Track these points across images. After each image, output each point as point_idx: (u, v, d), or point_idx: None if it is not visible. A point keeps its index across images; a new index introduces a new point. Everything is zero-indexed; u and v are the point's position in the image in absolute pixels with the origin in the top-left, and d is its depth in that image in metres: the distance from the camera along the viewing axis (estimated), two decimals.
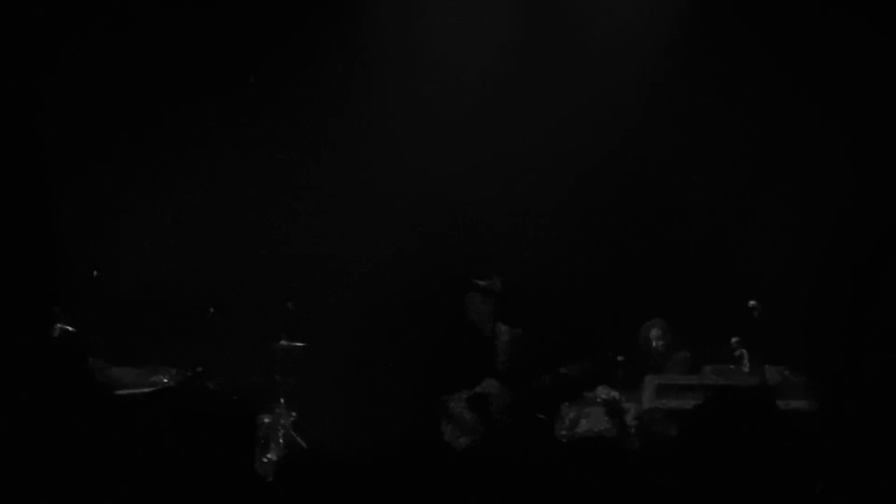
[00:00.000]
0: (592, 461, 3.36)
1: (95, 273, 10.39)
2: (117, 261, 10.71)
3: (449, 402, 9.63)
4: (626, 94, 10.91)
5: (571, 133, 11.08)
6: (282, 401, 10.35)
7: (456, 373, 9.78)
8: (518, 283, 10.12)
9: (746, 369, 9.12)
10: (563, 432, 9.32)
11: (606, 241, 11.14)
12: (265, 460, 9.62)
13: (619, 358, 9.74)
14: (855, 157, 10.35)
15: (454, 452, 4.98)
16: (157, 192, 11.03)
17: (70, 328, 9.62)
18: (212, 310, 10.38)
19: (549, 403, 9.48)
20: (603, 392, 9.48)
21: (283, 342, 10.55)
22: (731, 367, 9.29)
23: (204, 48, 10.86)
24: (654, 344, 9.88)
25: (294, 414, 10.33)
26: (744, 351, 9.27)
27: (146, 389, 8.34)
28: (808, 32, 10.50)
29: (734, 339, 9.40)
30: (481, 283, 9.92)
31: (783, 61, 10.65)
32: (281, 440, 10.09)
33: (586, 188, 11.19)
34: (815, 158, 10.53)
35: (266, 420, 10.08)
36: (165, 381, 9.15)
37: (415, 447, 4.69)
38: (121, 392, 7.78)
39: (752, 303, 9.19)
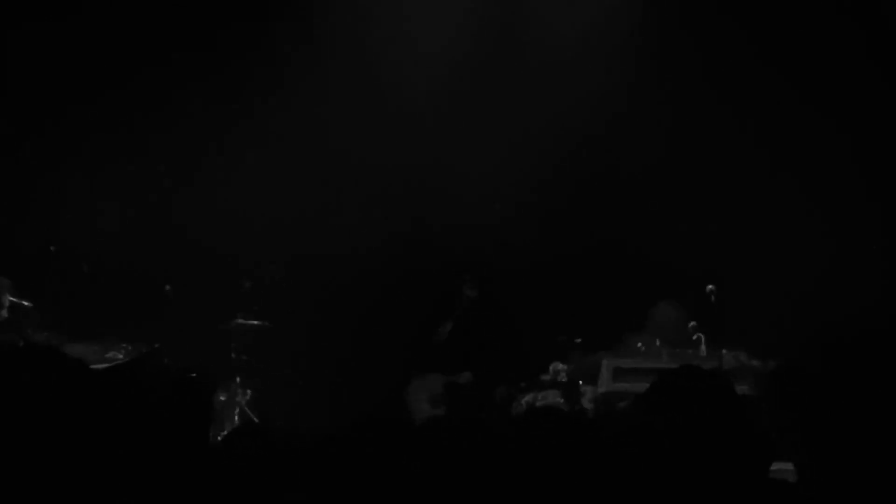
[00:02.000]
0: (548, 427, 3.34)
1: (52, 248, 10.31)
2: (73, 236, 10.63)
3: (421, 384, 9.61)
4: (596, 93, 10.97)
5: (542, 129, 11.10)
6: (237, 378, 10.32)
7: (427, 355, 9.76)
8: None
9: (703, 354, 9.14)
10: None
11: (577, 234, 11.19)
12: (220, 438, 9.57)
13: (577, 340, 9.74)
14: (809, 145, 10.49)
15: (413, 427, 4.98)
16: (114, 168, 10.95)
17: (25, 303, 9.56)
18: (168, 287, 10.32)
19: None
20: (553, 367, 9.50)
21: (238, 320, 10.51)
22: (689, 351, 9.31)
23: (157, 21, 10.83)
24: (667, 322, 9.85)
25: (249, 391, 10.30)
26: (701, 335, 9.30)
27: (102, 365, 8.31)
28: (778, 31, 10.62)
29: (691, 324, 9.43)
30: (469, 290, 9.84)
31: (751, 60, 10.75)
32: (236, 417, 10.06)
33: (556, 182, 11.24)
34: (774, 149, 10.65)
35: (221, 398, 10.05)
36: (121, 357, 9.09)
37: (373, 424, 4.68)
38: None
39: (709, 287, 9.21)
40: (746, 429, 3.14)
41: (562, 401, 9.35)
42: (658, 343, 9.69)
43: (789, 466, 3.81)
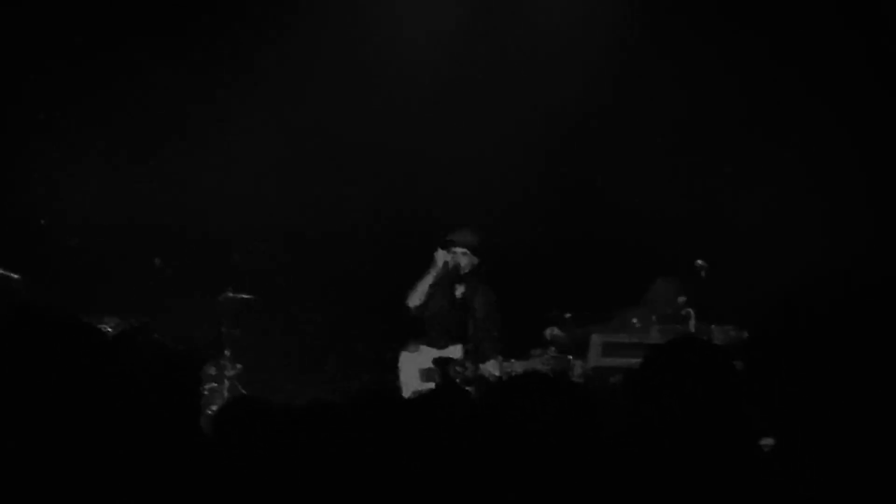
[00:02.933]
0: (538, 391, 3.31)
1: (42, 221, 10.29)
2: (64, 209, 10.61)
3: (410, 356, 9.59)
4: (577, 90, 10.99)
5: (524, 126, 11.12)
6: (227, 352, 10.31)
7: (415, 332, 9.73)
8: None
9: (693, 329, 9.15)
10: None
11: (567, 214, 11.23)
12: (210, 412, 9.58)
13: (567, 315, 9.74)
14: (797, 126, 10.57)
15: (402, 400, 4.98)
16: (104, 141, 10.93)
17: (14, 275, 9.54)
18: (158, 260, 10.31)
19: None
20: (550, 332, 9.52)
21: (229, 293, 10.50)
22: (678, 326, 9.32)
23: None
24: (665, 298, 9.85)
25: (239, 366, 10.30)
26: (690, 310, 9.31)
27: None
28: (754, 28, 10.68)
29: (681, 299, 9.44)
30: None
31: (735, 47, 10.80)
32: (226, 392, 10.06)
33: (550, 164, 11.30)
34: (762, 129, 10.72)
35: (212, 371, 10.04)
36: (110, 330, 9.07)
37: (363, 396, 4.68)
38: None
39: (699, 262, 9.22)
40: (739, 403, 3.16)
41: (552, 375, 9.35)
42: (654, 319, 9.71)
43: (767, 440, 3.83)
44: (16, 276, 9.53)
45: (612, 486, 2.95)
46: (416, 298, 9.57)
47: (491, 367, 9.36)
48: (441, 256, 9.52)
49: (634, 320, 9.77)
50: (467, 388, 9.20)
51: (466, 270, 9.63)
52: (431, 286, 9.57)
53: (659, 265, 9.99)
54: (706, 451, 3.03)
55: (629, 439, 3.08)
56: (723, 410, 3.09)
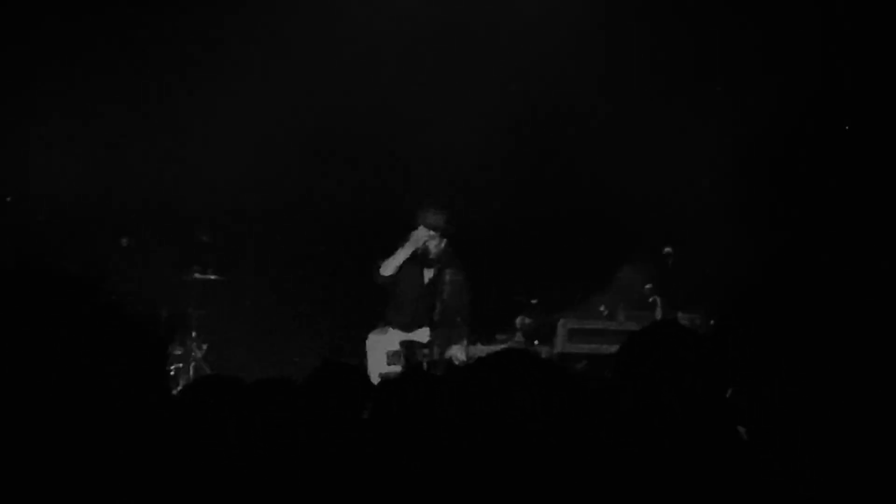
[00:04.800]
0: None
1: (8, 199, 10.23)
2: (29, 187, 10.55)
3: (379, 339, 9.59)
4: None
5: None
6: (193, 333, 10.28)
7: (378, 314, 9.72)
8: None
9: (659, 316, 9.19)
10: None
11: (537, 199, 11.25)
12: (176, 391, 9.55)
13: (533, 301, 9.76)
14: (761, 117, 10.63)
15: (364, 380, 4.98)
16: (70, 117, 10.85)
17: None
18: (125, 240, 10.26)
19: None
20: (520, 321, 9.53)
21: (196, 274, 10.47)
22: (645, 313, 9.36)
23: None
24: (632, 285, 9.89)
25: (205, 346, 10.27)
26: (657, 298, 9.35)
27: None
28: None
29: (647, 286, 9.48)
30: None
31: (706, 38, 10.84)
32: (191, 372, 10.03)
33: (519, 150, 11.31)
34: (729, 116, 10.76)
35: (177, 352, 10.01)
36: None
37: (331, 372, 4.69)
38: None
39: (666, 250, 9.26)
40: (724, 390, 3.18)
41: None
42: (621, 306, 9.75)
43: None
44: None
45: (600, 475, 2.96)
46: (389, 268, 9.55)
47: (456, 351, 9.38)
48: (420, 235, 9.50)
49: (602, 307, 9.81)
50: (432, 371, 9.23)
51: (434, 253, 9.62)
52: (404, 262, 9.56)
53: (627, 250, 10.03)
54: (695, 438, 3.05)
55: (618, 427, 3.09)
56: (710, 398, 3.12)
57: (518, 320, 9.52)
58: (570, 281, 10.12)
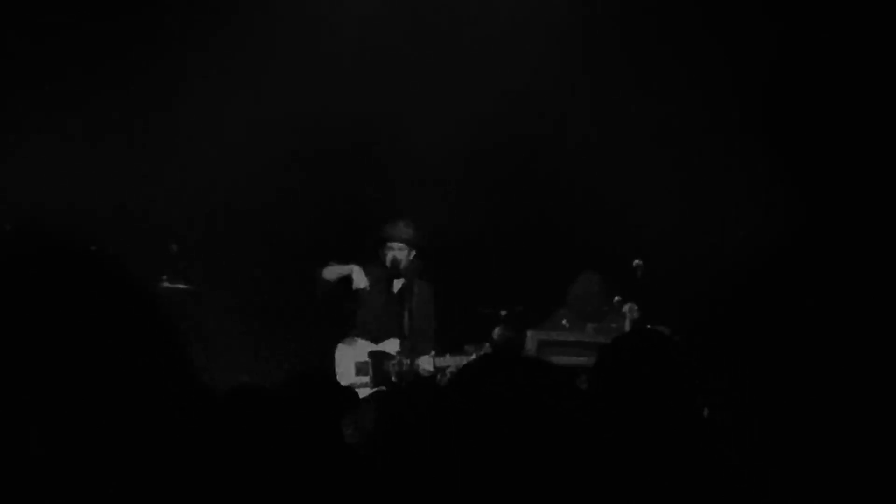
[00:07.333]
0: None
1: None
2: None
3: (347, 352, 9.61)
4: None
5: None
6: None
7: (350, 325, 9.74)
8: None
9: (628, 328, 9.23)
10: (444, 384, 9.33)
11: (506, 210, 11.29)
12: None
13: (502, 312, 9.78)
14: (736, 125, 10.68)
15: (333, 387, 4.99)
16: (38, 123, 10.80)
17: None
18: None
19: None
20: (497, 332, 9.54)
21: (165, 283, 10.43)
22: (613, 325, 9.40)
23: None
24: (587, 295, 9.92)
25: None
26: (629, 307, 9.39)
27: None
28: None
29: (616, 299, 9.52)
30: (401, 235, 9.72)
31: (680, 43, 10.89)
32: None
33: (486, 161, 11.34)
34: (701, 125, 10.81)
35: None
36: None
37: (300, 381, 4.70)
38: None
39: (636, 262, 9.31)
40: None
41: None
42: (579, 317, 9.80)
43: None
44: None
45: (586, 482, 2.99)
46: (329, 274, 9.64)
47: (424, 363, 9.41)
48: (388, 257, 9.60)
49: (564, 321, 9.87)
50: (401, 382, 9.27)
51: (403, 265, 9.67)
52: (374, 273, 9.63)
53: (592, 262, 10.08)
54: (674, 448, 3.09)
55: (602, 435, 3.12)
56: (682, 405, 3.16)
57: (495, 332, 9.54)
58: (538, 293, 10.15)
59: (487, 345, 9.55)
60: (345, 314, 9.78)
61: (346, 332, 9.72)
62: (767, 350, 9.73)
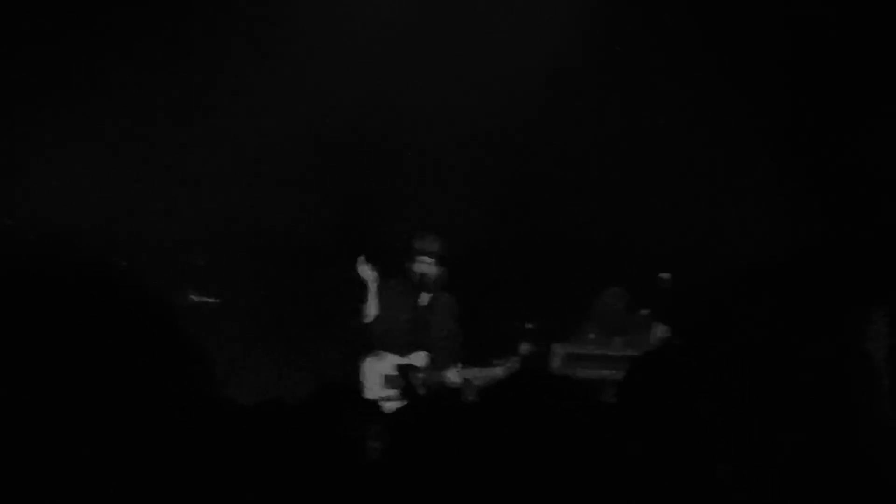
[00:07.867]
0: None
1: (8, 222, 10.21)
2: (21, 207, 10.50)
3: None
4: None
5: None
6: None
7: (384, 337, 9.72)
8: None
9: (652, 341, 9.20)
10: (470, 397, 9.31)
11: (530, 221, 11.25)
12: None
13: (528, 325, 9.75)
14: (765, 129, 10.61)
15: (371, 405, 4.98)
16: (63, 137, 10.81)
17: None
18: (124, 263, 10.24)
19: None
20: (523, 348, 9.51)
21: (192, 297, 10.44)
22: (640, 338, 9.37)
23: None
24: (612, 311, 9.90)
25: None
26: (666, 328, 9.36)
27: None
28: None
29: (644, 312, 9.49)
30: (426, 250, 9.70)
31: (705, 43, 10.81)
32: None
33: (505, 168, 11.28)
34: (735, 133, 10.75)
35: None
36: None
37: (329, 399, 4.69)
38: None
39: (662, 275, 9.27)
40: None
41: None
42: (605, 331, 9.77)
43: None
44: None
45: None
46: (370, 313, 9.66)
47: (451, 375, 9.40)
48: (367, 273, 9.59)
49: (591, 335, 9.84)
50: (428, 394, 9.25)
51: (430, 278, 9.66)
52: (400, 288, 9.63)
53: (622, 273, 10.04)
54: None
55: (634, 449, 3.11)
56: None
57: (522, 347, 9.50)
58: (566, 306, 10.13)
59: (515, 357, 9.53)
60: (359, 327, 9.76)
61: (371, 345, 9.72)
62: (782, 356, 9.64)
